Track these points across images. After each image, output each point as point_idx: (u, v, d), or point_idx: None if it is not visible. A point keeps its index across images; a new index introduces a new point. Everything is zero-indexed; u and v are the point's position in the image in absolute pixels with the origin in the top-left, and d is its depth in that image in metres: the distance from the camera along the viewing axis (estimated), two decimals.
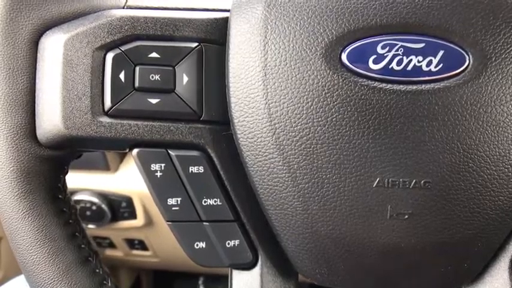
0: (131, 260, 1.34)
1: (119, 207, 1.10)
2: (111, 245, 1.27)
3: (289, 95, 0.34)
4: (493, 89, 0.33)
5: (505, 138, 0.34)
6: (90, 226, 1.13)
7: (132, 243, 1.25)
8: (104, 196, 1.09)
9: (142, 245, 1.25)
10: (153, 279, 1.64)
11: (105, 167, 1.07)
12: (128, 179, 1.08)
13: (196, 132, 0.38)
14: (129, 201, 1.09)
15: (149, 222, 1.14)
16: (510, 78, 0.33)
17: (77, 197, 1.08)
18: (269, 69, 0.34)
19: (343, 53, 0.34)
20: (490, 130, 0.34)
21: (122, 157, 1.11)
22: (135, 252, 1.29)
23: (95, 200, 1.07)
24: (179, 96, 0.37)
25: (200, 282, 1.55)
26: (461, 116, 0.33)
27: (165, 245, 1.22)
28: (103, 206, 1.08)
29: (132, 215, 1.12)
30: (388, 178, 0.34)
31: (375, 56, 0.33)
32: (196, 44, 0.37)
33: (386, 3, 0.33)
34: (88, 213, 1.08)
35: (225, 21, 0.37)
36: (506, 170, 0.34)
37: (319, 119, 0.34)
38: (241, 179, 0.38)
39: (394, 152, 0.34)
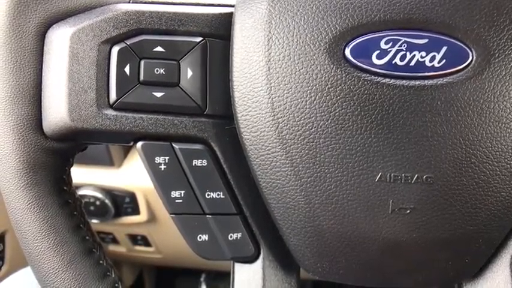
0: (134, 256, 1.34)
1: (122, 203, 1.10)
2: (114, 241, 1.28)
3: (292, 89, 0.35)
4: (496, 85, 0.33)
5: (507, 134, 0.34)
6: (94, 221, 1.13)
7: (135, 239, 1.25)
8: (107, 191, 1.09)
9: (145, 241, 1.26)
10: (155, 276, 1.65)
11: (109, 162, 1.07)
12: (131, 175, 1.09)
13: (200, 126, 0.38)
14: (132, 196, 1.09)
15: (152, 218, 1.14)
16: None
17: (80, 192, 1.08)
18: (273, 64, 0.35)
19: (346, 48, 0.34)
20: (492, 126, 0.34)
21: (126, 152, 1.11)
22: (138, 248, 1.29)
23: (99, 195, 1.08)
24: (183, 90, 0.37)
25: (202, 279, 1.55)
26: (463, 111, 0.34)
27: (167, 241, 1.22)
28: (106, 201, 1.08)
29: (136, 211, 1.12)
30: (390, 173, 0.35)
31: (378, 51, 0.34)
32: (200, 38, 0.38)
33: None
34: (91, 208, 1.09)
35: (229, 16, 0.38)
36: (508, 165, 0.34)
37: (322, 113, 0.34)
38: (244, 172, 0.38)
39: (396, 147, 0.34)
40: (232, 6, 0.38)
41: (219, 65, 0.38)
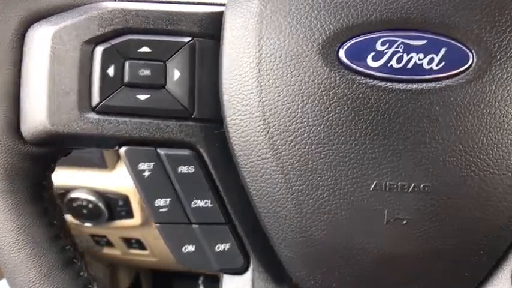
0: (129, 259, 1.33)
1: (115, 206, 1.09)
2: (109, 244, 1.26)
3: (283, 92, 0.33)
4: (497, 89, 0.32)
5: (509, 141, 0.32)
6: (87, 224, 1.12)
7: (129, 242, 1.24)
8: (100, 194, 1.08)
9: (140, 244, 1.24)
10: (152, 279, 1.64)
11: (102, 164, 1.06)
12: (125, 178, 1.07)
13: (187, 130, 0.37)
14: (126, 200, 1.08)
15: (146, 221, 1.13)
16: None
17: (73, 195, 1.07)
18: (263, 65, 0.33)
19: (340, 50, 0.33)
20: (494, 132, 0.32)
21: (119, 155, 1.10)
22: (132, 251, 1.28)
23: (92, 198, 1.06)
24: (170, 93, 0.36)
25: (200, 281, 1.55)
26: (463, 116, 0.32)
27: (162, 245, 1.19)
28: (99, 204, 1.07)
29: (129, 214, 1.11)
30: (386, 181, 0.33)
31: (374, 53, 0.32)
32: (189, 38, 0.36)
33: None
34: (84, 211, 1.07)
35: (220, 16, 0.36)
36: (510, 174, 0.33)
37: (315, 118, 0.33)
38: (233, 179, 0.37)
39: (392, 154, 0.33)
40: (224, 5, 0.37)
41: (209, 66, 0.36)
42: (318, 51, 0.33)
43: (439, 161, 0.33)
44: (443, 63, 0.32)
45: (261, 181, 0.35)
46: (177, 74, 0.36)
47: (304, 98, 0.33)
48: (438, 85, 0.32)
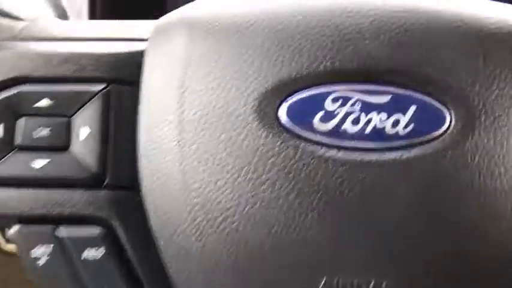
0: None
1: None
2: None
3: (210, 161, 0.27)
4: (481, 159, 0.26)
5: (496, 226, 0.26)
6: None
7: None
8: None
9: None
10: None
11: None
12: None
13: (97, 203, 0.30)
14: None
15: None
16: (505, 144, 0.26)
17: None
18: (186, 125, 0.27)
19: (280, 108, 0.27)
20: (477, 214, 0.26)
21: None
22: None
23: None
24: (75, 156, 0.30)
25: None
26: (438, 195, 0.26)
27: None
28: None
29: None
30: (338, 278, 0.27)
31: (322, 113, 0.27)
32: (102, 86, 0.30)
33: (340, 41, 0.26)
34: None
35: (140, 56, 0.30)
36: (498, 265, 0.26)
37: (248, 195, 0.27)
38: (156, 264, 0.30)
39: (346, 242, 0.26)
40: (146, 40, 0.31)
41: (126, 119, 0.30)
42: (252, 109, 0.27)
43: (407, 251, 0.26)
44: (412, 126, 0.26)
45: (186, 271, 0.28)
46: (84, 131, 0.30)
47: (236, 169, 0.27)
48: (405, 155, 0.26)
